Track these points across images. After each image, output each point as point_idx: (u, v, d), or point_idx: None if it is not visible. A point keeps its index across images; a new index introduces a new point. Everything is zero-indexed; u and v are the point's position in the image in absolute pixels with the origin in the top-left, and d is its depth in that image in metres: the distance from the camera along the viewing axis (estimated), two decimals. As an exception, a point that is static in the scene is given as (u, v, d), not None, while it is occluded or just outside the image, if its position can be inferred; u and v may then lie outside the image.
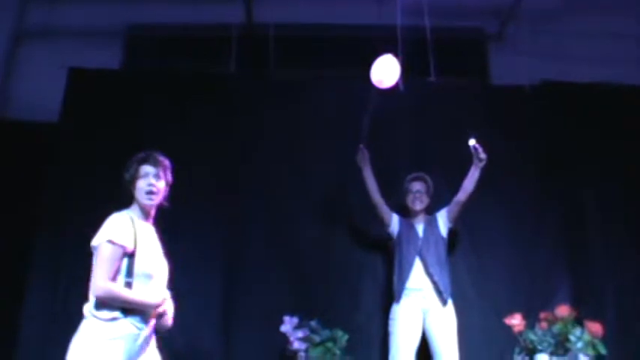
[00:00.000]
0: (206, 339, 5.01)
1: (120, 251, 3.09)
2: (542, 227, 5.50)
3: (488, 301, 5.20)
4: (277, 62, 6.39)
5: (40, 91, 5.98)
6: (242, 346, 5.12)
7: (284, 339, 4.85)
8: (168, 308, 3.25)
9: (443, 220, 5.00)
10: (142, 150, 3.40)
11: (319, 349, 4.79)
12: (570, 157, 5.68)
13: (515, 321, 4.75)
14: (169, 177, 3.41)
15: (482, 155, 4.72)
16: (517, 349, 4.78)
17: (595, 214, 5.55)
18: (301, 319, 4.89)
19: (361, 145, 4.97)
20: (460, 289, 5.03)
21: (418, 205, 5.05)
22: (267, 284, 5.24)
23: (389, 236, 5.08)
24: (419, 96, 5.40)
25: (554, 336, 4.69)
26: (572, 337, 4.63)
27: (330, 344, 4.82)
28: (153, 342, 3.25)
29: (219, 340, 5.08)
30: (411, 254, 4.89)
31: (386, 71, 4.53)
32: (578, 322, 4.74)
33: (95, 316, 3.02)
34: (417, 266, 4.86)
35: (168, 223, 3.58)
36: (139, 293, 3.11)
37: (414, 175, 5.13)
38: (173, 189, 3.47)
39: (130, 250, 3.12)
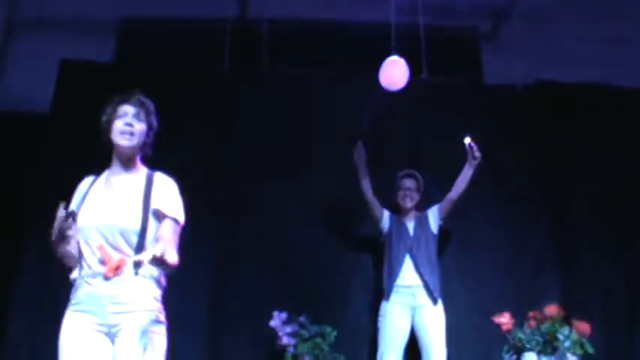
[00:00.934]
0: (194, 333, 5.00)
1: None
2: (531, 227, 5.52)
3: (477, 299, 5.21)
4: (271, 58, 6.38)
5: (32, 83, 5.95)
6: (231, 340, 5.12)
7: (273, 334, 4.86)
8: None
9: (434, 217, 5.01)
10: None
11: (308, 345, 4.80)
12: (561, 156, 5.69)
13: (504, 319, 4.76)
14: (154, 121, 3.02)
15: (477, 154, 4.72)
16: (505, 348, 4.80)
17: (584, 214, 5.57)
18: (290, 315, 4.90)
19: (359, 143, 4.97)
20: (449, 287, 5.04)
21: (408, 203, 5.06)
22: (257, 279, 5.24)
23: (379, 232, 5.09)
24: (412, 94, 5.41)
25: (542, 335, 4.71)
26: (560, 336, 4.66)
27: (318, 340, 4.83)
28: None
29: (207, 334, 5.08)
30: (401, 252, 4.90)
31: (396, 75, 4.53)
32: (567, 321, 4.77)
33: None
34: (407, 264, 4.87)
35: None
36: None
37: (404, 172, 5.14)
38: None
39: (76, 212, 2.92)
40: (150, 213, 2.83)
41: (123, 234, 2.77)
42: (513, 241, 5.47)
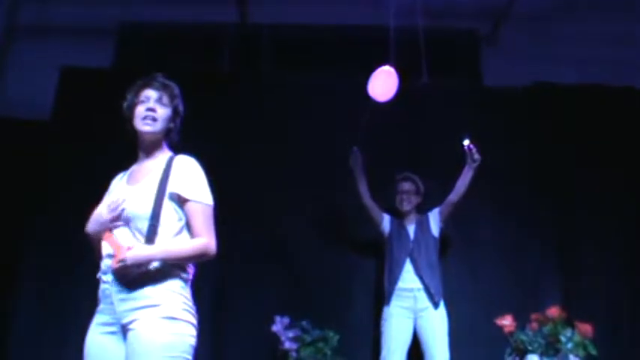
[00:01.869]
0: (197, 338, 4.99)
1: None
2: (533, 228, 5.51)
3: (479, 301, 5.20)
4: (270, 62, 6.39)
5: (32, 89, 5.96)
6: (233, 345, 5.12)
7: (275, 339, 4.86)
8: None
9: (434, 220, 5.00)
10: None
11: (310, 349, 4.80)
12: (561, 158, 5.69)
13: (506, 322, 4.76)
14: (179, 105, 2.85)
15: (477, 156, 4.72)
16: (508, 350, 4.79)
17: (586, 215, 5.56)
18: (292, 319, 4.90)
19: (355, 148, 4.97)
20: (451, 289, 5.02)
21: (406, 206, 5.05)
22: (259, 284, 5.24)
23: (380, 236, 5.08)
24: (411, 97, 5.40)
25: (544, 337, 4.71)
26: (562, 338, 4.65)
27: (321, 344, 4.83)
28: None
29: (210, 338, 5.08)
30: (401, 255, 4.90)
31: (383, 85, 4.52)
32: (569, 322, 4.76)
33: None
34: (408, 267, 4.86)
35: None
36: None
37: (402, 175, 5.14)
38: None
39: None
40: (165, 197, 2.64)
41: (133, 220, 2.62)
42: (515, 243, 5.46)
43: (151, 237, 2.60)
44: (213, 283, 5.22)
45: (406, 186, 5.10)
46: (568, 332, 4.68)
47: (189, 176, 2.71)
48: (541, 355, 4.67)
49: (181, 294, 2.62)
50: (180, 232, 2.68)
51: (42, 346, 4.98)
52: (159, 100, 2.79)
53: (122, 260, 2.52)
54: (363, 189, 5.00)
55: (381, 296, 4.99)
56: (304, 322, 4.89)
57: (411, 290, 4.82)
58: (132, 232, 2.63)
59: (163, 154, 2.81)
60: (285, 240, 5.41)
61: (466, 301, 5.19)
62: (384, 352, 4.80)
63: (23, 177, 5.54)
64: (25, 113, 5.91)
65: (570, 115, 5.81)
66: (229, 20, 6.45)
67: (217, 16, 6.31)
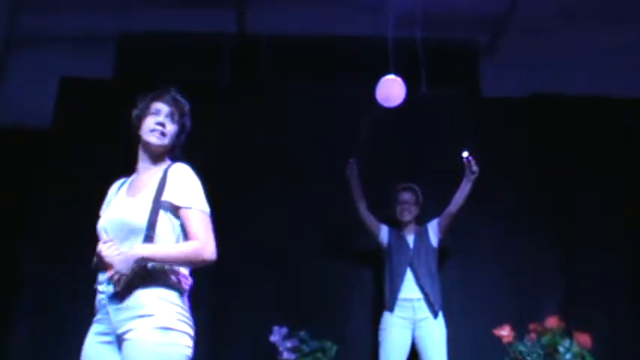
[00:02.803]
0: (195, 348, 4.98)
1: None
2: (531, 238, 5.51)
3: (478, 312, 5.20)
4: (269, 73, 6.40)
5: (32, 98, 5.97)
6: (231, 355, 5.12)
7: (273, 349, 4.85)
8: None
9: (433, 231, 5.01)
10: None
11: (308, 360, 4.80)
12: (560, 169, 5.70)
13: (505, 332, 4.75)
14: (187, 123, 2.85)
15: (475, 168, 4.73)
16: (506, 360, 4.79)
17: (585, 225, 5.57)
18: (290, 330, 4.89)
19: (351, 160, 4.97)
20: (449, 299, 5.03)
21: (406, 216, 5.06)
22: (257, 294, 5.24)
23: (378, 247, 5.08)
24: (410, 107, 5.41)
25: (543, 347, 4.70)
26: (561, 349, 4.65)
27: (319, 355, 4.83)
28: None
29: (208, 349, 5.06)
30: (401, 265, 4.90)
31: (392, 92, 4.54)
32: (567, 333, 4.75)
33: None
34: (408, 277, 4.87)
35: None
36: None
37: (401, 185, 5.14)
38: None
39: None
40: (160, 207, 2.61)
41: (130, 231, 2.59)
42: (513, 253, 5.46)
43: None
44: (211, 293, 5.21)
45: (407, 196, 5.10)
46: (566, 343, 4.68)
47: (183, 184, 2.68)
48: (539, 365, 4.67)
49: (177, 304, 2.59)
50: (177, 242, 2.66)
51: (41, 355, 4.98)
52: (170, 116, 2.78)
53: (115, 271, 2.51)
54: (360, 201, 5.01)
55: (379, 306, 4.99)
56: (302, 333, 4.88)
57: (411, 300, 4.82)
58: (129, 242, 2.60)
59: (163, 165, 2.80)
60: (283, 250, 5.40)
61: (464, 311, 5.19)
62: (382, 363, 4.80)
63: (23, 186, 5.55)
64: (24, 122, 5.93)
65: (570, 125, 5.82)
66: (228, 30, 6.46)
67: (216, 27, 6.32)
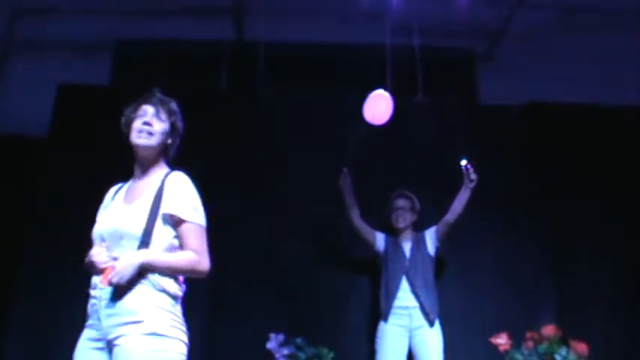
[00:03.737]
0: (191, 356, 4.97)
1: None
2: (528, 247, 5.51)
3: (474, 320, 5.19)
4: (267, 80, 6.41)
5: (29, 105, 5.97)
6: (227, 362, 5.11)
7: (270, 356, 4.84)
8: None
9: (431, 238, 4.99)
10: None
11: (304, 367, 4.79)
12: (557, 177, 5.70)
13: (502, 340, 4.75)
14: (177, 122, 2.86)
15: (473, 176, 4.71)
16: (503, 369, 4.79)
17: (581, 234, 5.56)
18: (287, 337, 4.88)
19: (345, 169, 4.97)
20: (447, 307, 5.02)
21: (401, 223, 5.04)
22: (253, 301, 5.22)
23: (375, 254, 5.08)
24: (407, 115, 5.43)
25: (540, 355, 4.70)
26: (557, 357, 4.65)
27: (315, 361, 4.82)
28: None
29: (204, 355, 5.05)
30: (397, 274, 4.88)
31: (379, 109, 4.53)
32: (564, 341, 4.76)
33: None
34: (404, 286, 4.85)
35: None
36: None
37: (397, 192, 5.14)
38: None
39: None
40: (158, 217, 2.64)
41: (125, 239, 2.61)
42: (510, 261, 5.46)
43: None
44: (207, 299, 5.21)
45: (401, 203, 5.09)
46: (563, 351, 4.68)
47: (182, 196, 2.71)
48: (536, 373, 4.67)
49: (169, 310, 2.60)
50: (171, 251, 2.68)
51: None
52: (156, 115, 2.80)
53: (112, 274, 2.52)
54: (353, 211, 5.00)
55: (375, 314, 4.98)
56: (299, 340, 4.87)
57: (407, 308, 4.80)
58: (124, 250, 2.62)
59: (160, 172, 2.81)
60: (280, 256, 5.40)
61: (461, 319, 5.18)
62: (378, 370, 4.79)
63: (20, 193, 5.54)
64: (21, 129, 5.92)
65: (567, 133, 5.83)
66: (226, 38, 6.48)
67: (214, 34, 6.34)
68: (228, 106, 5.90)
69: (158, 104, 2.83)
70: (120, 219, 2.67)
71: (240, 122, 5.78)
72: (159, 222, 2.65)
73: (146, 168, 2.81)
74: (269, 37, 6.38)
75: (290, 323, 5.04)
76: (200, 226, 2.71)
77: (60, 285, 5.06)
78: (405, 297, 4.82)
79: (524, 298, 5.34)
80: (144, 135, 2.76)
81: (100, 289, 2.58)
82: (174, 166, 2.90)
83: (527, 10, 6.13)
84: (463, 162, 4.70)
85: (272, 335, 4.87)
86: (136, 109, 2.83)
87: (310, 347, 4.86)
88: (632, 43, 6.16)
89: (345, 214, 5.01)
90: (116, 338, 2.51)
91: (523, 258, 5.47)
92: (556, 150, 5.78)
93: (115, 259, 2.59)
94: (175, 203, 2.68)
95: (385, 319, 4.83)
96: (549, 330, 4.76)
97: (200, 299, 5.19)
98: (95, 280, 2.62)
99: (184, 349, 2.62)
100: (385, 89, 4.56)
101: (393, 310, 4.81)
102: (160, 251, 2.63)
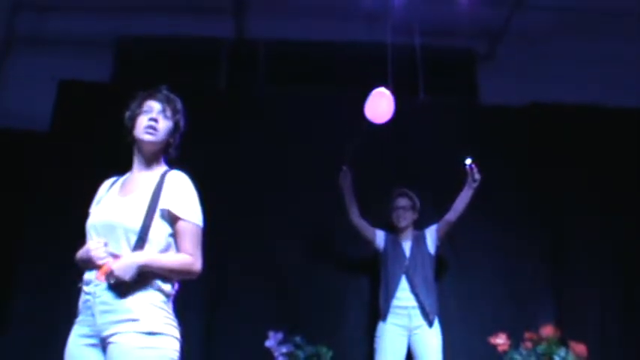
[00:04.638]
0: (190, 354, 4.97)
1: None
2: (528, 247, 5.51)
3: (473, 320, 5.20)
4: (267, 78, 6.41)
5: (30, 101, 5.98)
6: (226, 360, 5.11)
7: (269, 354, 4.84)
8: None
9: (431, 237, 4.98)
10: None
11: (303, 365, 4.79)
12: (557, 178, 5.70)
13: (500, 340, 4.75)
14: (180, 121, 2.87)
15: (477, 176, 4.70)
16: (501, 369, 4.79)
17: (580, 235, 5.57)
18: (286, 335, 4.88)
19: (344, 167, 4.96)
20: (446, 307, 5.02)
21: (402, 222, 5.04)
22: (252, 299, 5.22)
23: (375, 252, 5.07)
24: (407, 115, 5.43)
25: (538, 356, 4.70)
26: (556, 358, 4.66)
27: (314, 360, 4.82)
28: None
29: (202, 353, 5.06)
30: (397, 273, 4.87)
31: (381, 108, 4.53)
32: (563, 342, 4.76)
33: None
34: (404, 285, 4.84)
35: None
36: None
37: (398, 190, 5.13)
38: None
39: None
40: (156, 213, 2.65)
41: (122, 233, 2.61)
42: (510, 261, 5.46)
43: (137, 250, 2.61)
44: (206, 297, 5.21)
45: (402, 202, 5.08)
46: (562, 352, 4.68)
47: (182, 194, 2.72)
48: (534, 374, 4.67)
49: (163, 308, 2.61)
50: (167, 248, 2.68)
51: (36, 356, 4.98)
52: (162, 112, 2.81)
53: (109, 272, 2.52)
54: (352, 208, 4.98)
55: (375, 312, 4.97)
56: (298, 338, 4.87)
57: (406, 308, 4.80)
58: (119, 243, 2.62)
59: (159, 168, 2.83)
60: (279, 254, 5.40)
61: (460, 319, 5.18)
62: (377, 370, 4.79)
63: (21, 188, 5.54)
64: (23, 125, 5.92)
65: (567, 134, 5.83)
66: (226, 36, 6.49)
67: (214, 32, 6.34)
68: (228, 104, 5.90)
69: (165, 101, 2.84)
70: (115, 212, 2.67)
71: (240, 120, 5.78)
72: (157, 218, 2.66)
73: (146, 163, 2.83)
74: (269, 35, 6.39)
75: (289, 321, 5.04)
76: (197, 226, 2.73)
77: (59, 281, 5.05)
78: (404, 297, 4.81)
79: (523, 299, 5.35)
80: (150, 131, 2.77)
81: (94, 285, 2.59)
82: (174, 164, 2.90)
83: (529, 10, 6.14)
84: (468, 161, 4.67)
85: (271, 333, 4.87)
86: (141, 105, 2.84)
87: (309, 346, 4.87)
88: (633, 44, 6.17)
89: (344, 212, 5.01)
90: (111, 336, 2.52)
91: (523, 258, 5.48)
92: (557, 151, 5.78)
93: (112, 254, 2.59)
94: (175, 200, 2.69)
95: (384, 319, 4.82)
96: (548, 330, 4.77)
97: (199, 297, 5.20)
98: (90, 275, 2.62)
99: (178, 346, 2.63)
100: (386, 89, 4.55)
101: (392, 310, 4.80)
102: (156, 252, 2.64)
